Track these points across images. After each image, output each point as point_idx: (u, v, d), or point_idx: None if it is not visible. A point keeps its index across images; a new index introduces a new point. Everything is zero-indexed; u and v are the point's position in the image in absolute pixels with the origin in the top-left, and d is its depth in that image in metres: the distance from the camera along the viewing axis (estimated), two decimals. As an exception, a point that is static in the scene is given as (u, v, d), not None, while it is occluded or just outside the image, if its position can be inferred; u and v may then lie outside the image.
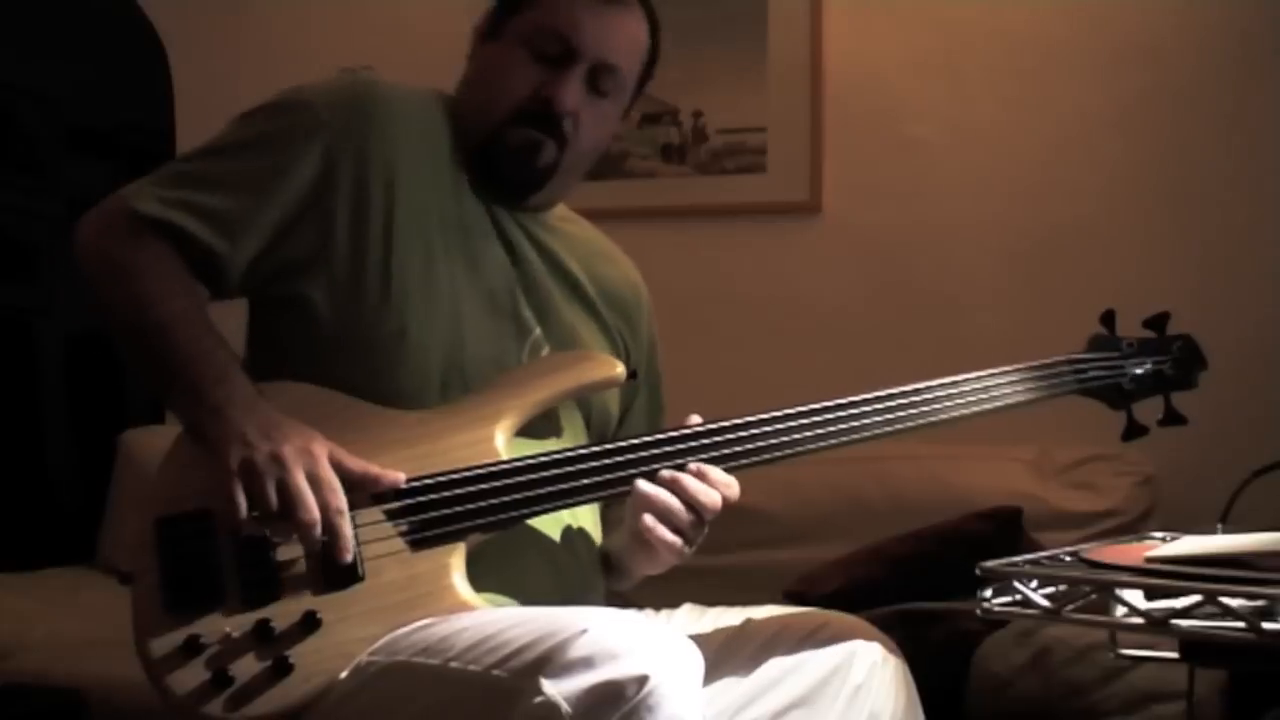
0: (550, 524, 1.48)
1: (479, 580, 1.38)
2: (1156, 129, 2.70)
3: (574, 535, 1.51)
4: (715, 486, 1.42)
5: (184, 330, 1.41)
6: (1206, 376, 1.66)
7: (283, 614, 1.32)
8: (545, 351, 1.55)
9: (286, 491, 1.31)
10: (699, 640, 1.47)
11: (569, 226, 1.68)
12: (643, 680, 1.14)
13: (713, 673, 1.42)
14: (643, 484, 1.41)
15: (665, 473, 1.42)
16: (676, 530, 1.41)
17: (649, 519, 1.40)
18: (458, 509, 1.37)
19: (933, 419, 1.52)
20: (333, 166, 1.47)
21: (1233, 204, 2.65)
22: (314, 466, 1.33)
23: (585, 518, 1.54)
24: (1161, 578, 1.21)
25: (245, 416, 1.36)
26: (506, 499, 1.39)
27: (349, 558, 1.33)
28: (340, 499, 1.33)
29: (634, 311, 1.71)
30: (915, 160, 2.84)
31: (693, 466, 1.42)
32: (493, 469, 1.40)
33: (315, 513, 1.31)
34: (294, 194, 1.46)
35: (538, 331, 1.55)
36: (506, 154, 1.54)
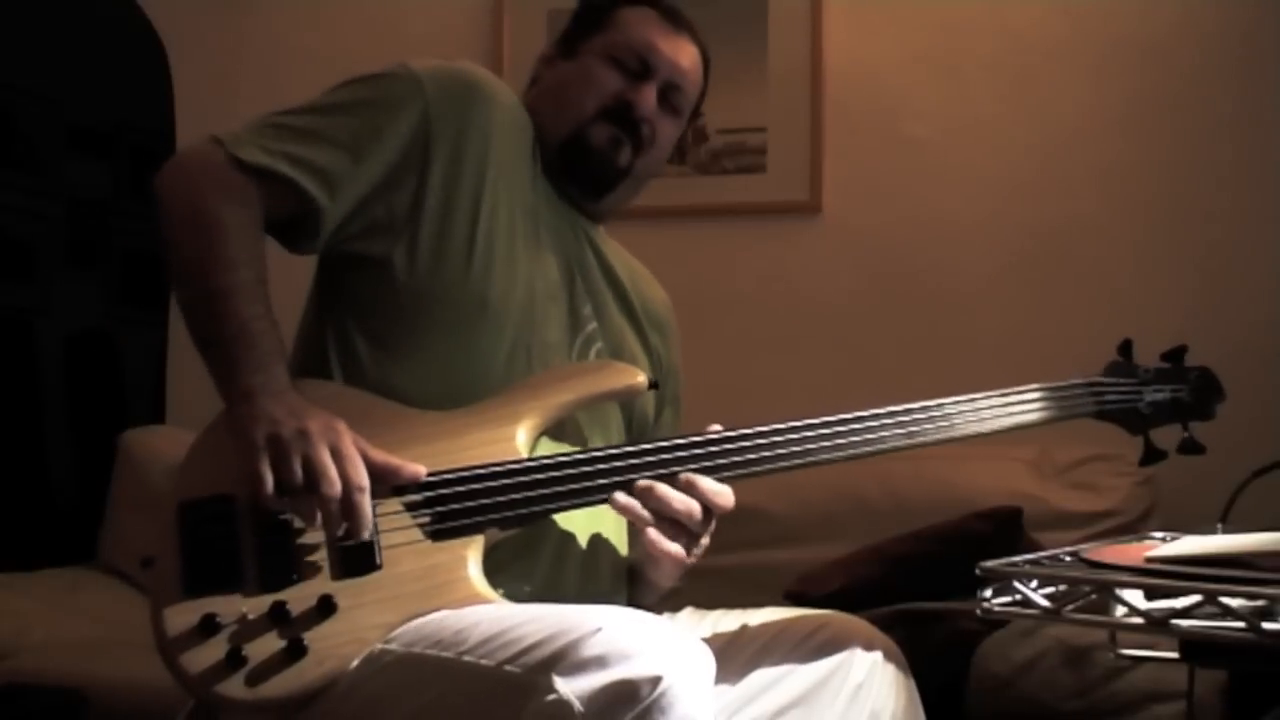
0: (580, 528, 1.49)
1: (508, 576, 1.39)
2: (1156, 127, 2.70)
3: (601, 543, 1.52)
4: (704, 496, 1.41)
5: (244, 305, 1.41)
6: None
7: (299, 598, 1.33)
8: (598, 346, 1.60)
9: (311, 465, 1.32)
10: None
11: (614, 245, 1.75)
12: (656, 680, 1.14)
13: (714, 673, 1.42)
14: (619, 496, 1.41)
15: (641, 482, 1.42)
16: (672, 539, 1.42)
17: (651, 532, 1.41)
18: (477, 503, 1.39)
19: (948, 435, 1.52)
20: (431, 137, 1.52)
21: (1232, 202, 2.66)
22: (338, 442, 1.34)
23: (612, 529, 1.55)
24: (1161, 578, 1.21)
25: (274, 402, 1.37)
26: (525, 495, 1.40)
27: (366, 535, 1.34)
28: (362, 475, 1.34)
29: (668, 335, 1.77)
30: (915, 160, 2.84)
31: (683, 477, 1.42)
32: (512, 466, 1.41)
33: (338, 486, 1.32)
34: (392, 157, 1.51)
35: (594, 325, 1.61)
36: (590, 150, 1.62)
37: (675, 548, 1.42)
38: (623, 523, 1.57)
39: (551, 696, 1.15)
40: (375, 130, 1.51)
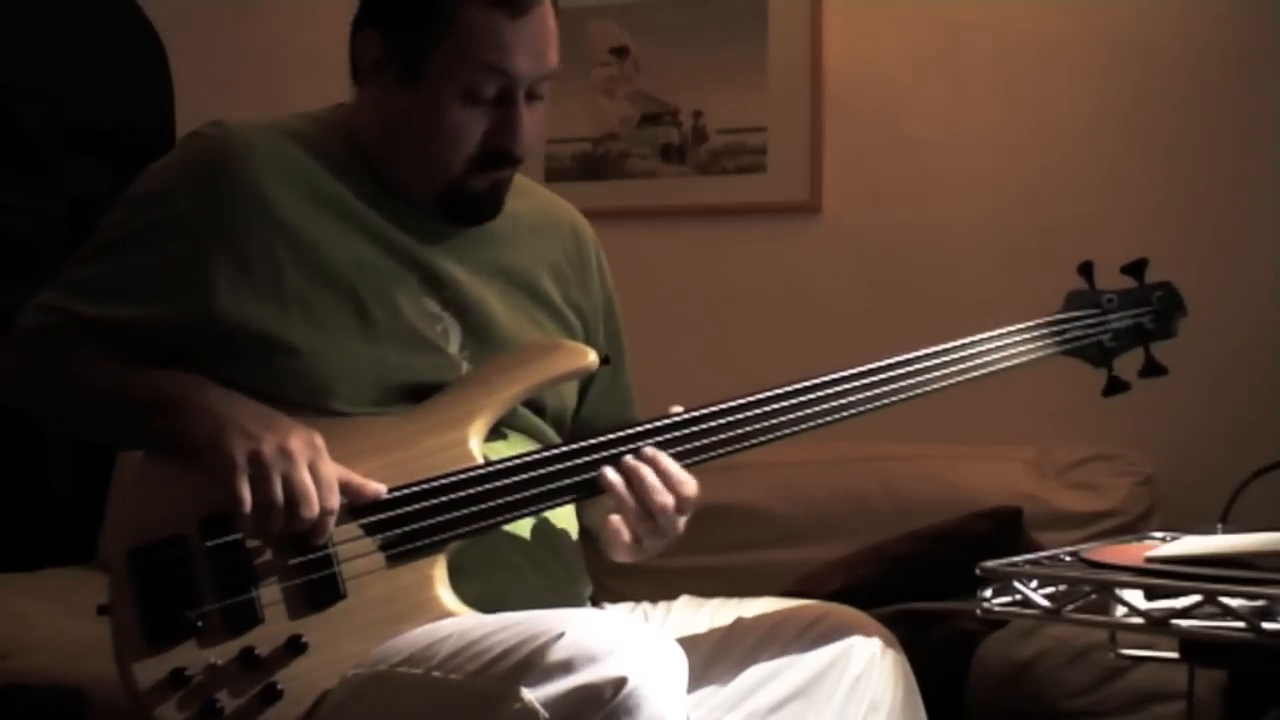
0: (527, 524, 1.47)
1: (464, 590, 1.37)
2: (1156, 128, 2.70)
3: (552, 530, 1.50)
4: (669, 479, 1.39)
5: (130, 373, 1.41)
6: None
7: (266, 639, 1.31)
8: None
9: (291, 486, 1.30)
10: (697, 634, 1.47)
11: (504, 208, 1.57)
12: (620, 683, 1.14)
13: (711, 666, 1.42)
14: (609, 472, 1.39)
15: (629, 460, 1.40)
16: (633, 531, 1.40)
17: (615, 519, 1.39)
18: (436, 520, 1.36)
19: (914, 392, 1.50)
20: (204, 254, 1.41)
21: (1232, 203, 2.65)
22: (318, 462, 1.32)
23: (560, 516, 1.52)
24: (1161, 578, 1.21)
25: (236, 409, 1.34)
26: (485, 505, 1.37)
27: (320, 542, 1.32)
28: (335, 500, 1.32)
29: (580, 273, 1.64)
30: (915, 160, 2.84)
31: (647, 451, 1.40)
32: (469, 475, 1.38)
33: (316, 510, 1.30)
34: (173, 290, 1.41)
35: (465, 368, 1.48)
36: (473, 197, 1.49)
37: (627, 538, 1.40)
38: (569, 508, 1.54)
39: (517, 706, 1.15)
40: (145, 267, 1.43)
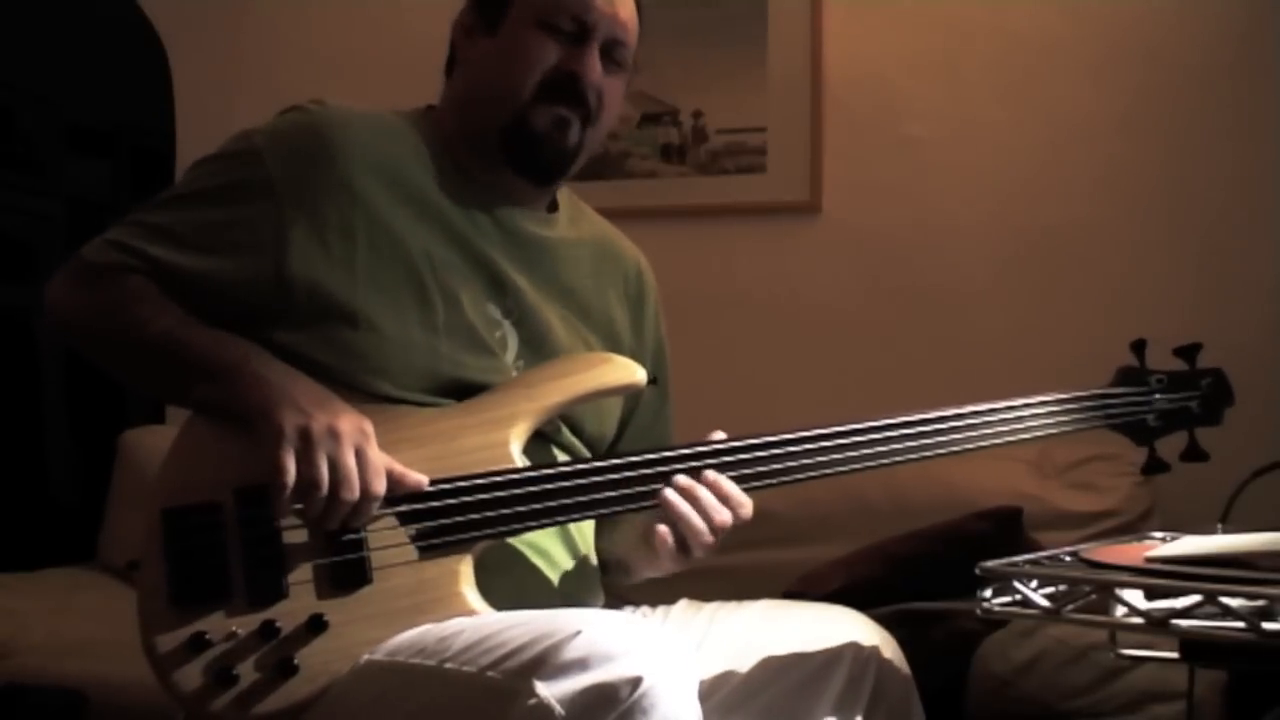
0: (551, 530, 1.47)
1: (483, 587, 1.38)
2: (1155, 128, 2.70)
3: (574, 539, 1.51)
4: (729, 502, 1.41)
5: (193, 331, 1.41)
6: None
7: (288, 614, 1.31)
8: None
9: (335, 467, 1.30)
10: (695, 636, 1.47)
11: (573, 230, 1.62)
12: (636, 682, 1.14)
13: (709, 666, 1.42)
14: (669, 493, 1.39)
15: (683, 480, 1.40)
16: (683, 542, 1.40)
17: (663, 529, 1.39)
18: (470, 517, 1.36)
19: (958, 448, 1.50)
20: (282, 211, 1.42)
21: (1231, 202, 2.66)
22: (365, 446, 1.32)
23: (582, 537, 1.53)
24: (1161, 578, 1.21)
25: (291, 383, 1.34)
26: (520, 509, 1.37)
27: (358, 526, 1.32)
28: (382, 485, 1.32)
29: (636, 313, 1.67)
30: (915, 160, 2.84)
31: (709, 475, 1.40)
32: (508, 477, 1.38)
33: (357, 493, 1.30)
34: (246, 247, 1.42)
35: (514, 375, 1.48)
36: (534, 136, 1.49)
37: (671, 546, 1.40)
38: (592, 536, 1.56)
39: (532, 701, 1.15)
40: (222, 220, 1.43)
